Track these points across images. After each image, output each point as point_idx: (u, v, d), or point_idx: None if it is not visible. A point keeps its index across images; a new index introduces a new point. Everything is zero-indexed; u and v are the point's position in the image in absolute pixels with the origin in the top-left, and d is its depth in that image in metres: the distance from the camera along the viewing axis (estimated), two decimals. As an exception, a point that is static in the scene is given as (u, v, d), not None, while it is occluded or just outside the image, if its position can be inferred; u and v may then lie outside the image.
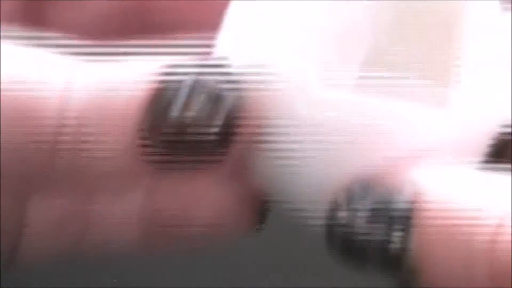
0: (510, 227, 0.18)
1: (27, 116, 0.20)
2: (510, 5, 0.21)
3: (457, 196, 0.19)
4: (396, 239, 0.19)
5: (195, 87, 0.20)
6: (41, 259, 0.25)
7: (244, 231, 0.25)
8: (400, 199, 0.19)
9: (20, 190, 0.23)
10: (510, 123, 0.21)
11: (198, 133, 0.20)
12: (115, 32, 0.27)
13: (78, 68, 0.20)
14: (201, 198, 0.24)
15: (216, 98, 0.20)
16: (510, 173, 0.19)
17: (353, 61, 0.20)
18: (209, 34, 0.23)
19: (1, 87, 0.20)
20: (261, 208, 0.25)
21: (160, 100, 0.20)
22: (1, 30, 0.22)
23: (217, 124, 0.20)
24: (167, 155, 0.20)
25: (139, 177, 0.21)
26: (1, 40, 0.21)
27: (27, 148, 0.20)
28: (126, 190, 0.21)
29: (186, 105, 0.20)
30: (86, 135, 0.20)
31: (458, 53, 0.20)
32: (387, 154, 0.20)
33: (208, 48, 0.22)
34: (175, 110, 0.20)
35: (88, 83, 0.20)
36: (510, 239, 0.18)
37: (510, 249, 0.18)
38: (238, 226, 0.25)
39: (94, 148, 0.20)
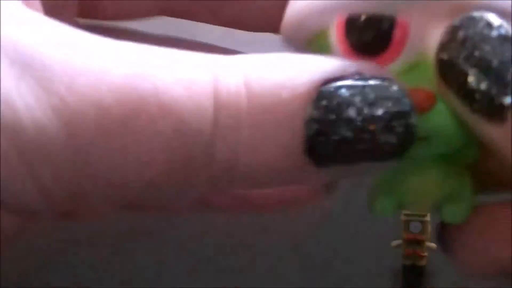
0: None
1: (181, 127, 0.18)
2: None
3: None
4: None
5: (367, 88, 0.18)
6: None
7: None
8: None
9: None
10: None
11: (378, 135, 0.18)
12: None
13: (222, 64, 0.18)
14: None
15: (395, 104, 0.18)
16: None
17: None
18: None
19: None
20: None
21: (329, 96, 0.18)
22: None
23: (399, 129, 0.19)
24: (337, 155, 0.19)
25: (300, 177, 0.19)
26: None
27: (183, 163, 0.18)
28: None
29: (364, 104, 0.18)
30: (241, 139, 0.18)
31: None
32: None
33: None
34: (351, 111, 0.18)
35: (236, 81, 0.18)
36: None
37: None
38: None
39: (253, 153, 0.18)
